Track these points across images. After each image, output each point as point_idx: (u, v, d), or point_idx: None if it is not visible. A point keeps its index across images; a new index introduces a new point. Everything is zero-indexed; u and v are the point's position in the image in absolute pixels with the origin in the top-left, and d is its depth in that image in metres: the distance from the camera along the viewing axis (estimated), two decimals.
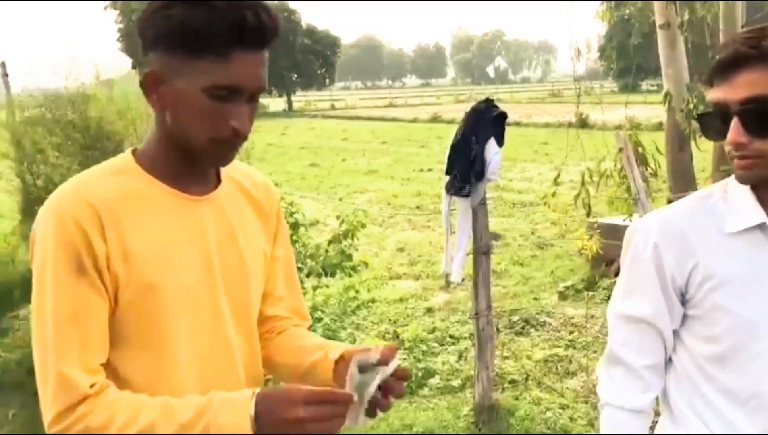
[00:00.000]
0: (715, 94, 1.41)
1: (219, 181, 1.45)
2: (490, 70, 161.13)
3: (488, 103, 4.03)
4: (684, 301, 1.52)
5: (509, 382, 4.85)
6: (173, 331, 1.34)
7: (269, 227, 1.55)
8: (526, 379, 4.90)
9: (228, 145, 1.32)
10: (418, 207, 12.14)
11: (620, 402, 1.59)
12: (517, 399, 4.48)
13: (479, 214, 3.95)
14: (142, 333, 1.32)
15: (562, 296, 6.95)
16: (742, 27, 6.58)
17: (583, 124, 23.12)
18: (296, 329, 1.62)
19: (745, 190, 1.47)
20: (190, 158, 1.36)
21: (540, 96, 52.41)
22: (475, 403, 4.20)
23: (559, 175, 6.04)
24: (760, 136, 1.37)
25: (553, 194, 6.25)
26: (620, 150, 4.58)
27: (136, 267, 1.29)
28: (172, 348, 1.34)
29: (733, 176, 1.51)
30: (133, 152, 1.40)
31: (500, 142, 3.92)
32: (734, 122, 1.38)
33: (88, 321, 1.26)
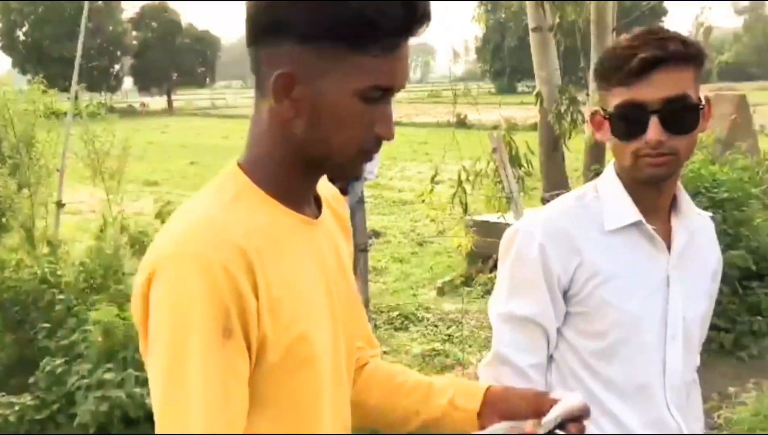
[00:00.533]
0: (629, 95, 1.46)
1: (319, 197, 1.22)
2: None
3: None
4: (567, 298, 1.56)
5: None
6: (322, 389, 1.12)
7: (350, 246, 1.34)
8: None
9: (370, 154, 1.13)
10: None
11: None
12: None
13: (357, 212, 4.02)
14: (289, 396, 1.08)
15: (440, 292, 7.15)
16: (613, 30, 6.96)
17: (461, 124, 23.72)
18: (380, 362, 1.39)
19: (619, 189, 1.56)
20: (318, 173, 1.16)
21: (419, 96, 53.41)
22: None
23: (436, 174, 6.19)
24: (678, 133, 1.46)
25: (431, 192, 6.42)
26: (494, 150, 4.76)
27: (284, 319, 1.05)
28: (318, 410, 1.12)
29: (602, 176, 1.61)
30: (240, 166, 1.14)
31: None
32: (654, 121, 1.43)
33: (236, 391, 1.00)
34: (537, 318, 1.55)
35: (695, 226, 1.62)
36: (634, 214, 1.53)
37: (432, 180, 6.29)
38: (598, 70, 1.54)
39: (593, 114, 1.55)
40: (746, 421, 4.14)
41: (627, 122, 1.47)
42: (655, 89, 1.43)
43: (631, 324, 1.55)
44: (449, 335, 5.92)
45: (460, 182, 6.13)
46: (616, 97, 1.47)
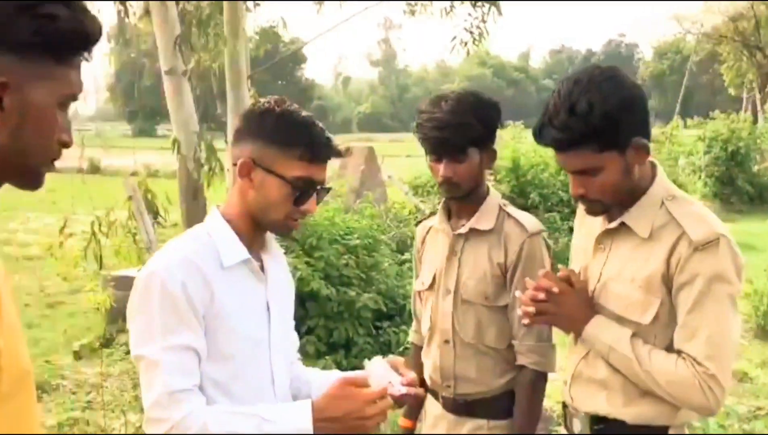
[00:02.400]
0: (308, 172, 1.88)
1: None
2: None
3: None
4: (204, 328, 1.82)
5: None
6: None
7: None
8: None
9: (55, 161, 1.37)
10: None
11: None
12: None
13: None
14: None
15: (77, 356, 6.93)
16: (249, 77, 7.38)
17: (94, 170, 22.91)
18: None
19: (229, 231, 1.90)
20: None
21: None
22: None
23: (65, 225, 6.04)
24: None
25: (60, 245, 6.21)
26: (130, 198, 4.84)
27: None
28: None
29: (210, 221, 1.93)
30: None
31: None
32: (313, 197, 1.91)
33: None
34: (195, 344, 1.78)
35: (279, 258, 2.07)
36: (244, 252, 1.89)
37: (61, 232, 6.11)
38: (278, 136, 1.87)
39: (245, 164, 1.87)
40: None
41: (301, 193, 1.85)
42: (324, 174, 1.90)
43: (252, 346, 1.90)
44: (89, 402, 5.79)
45: (93, 234, 6.04)
46: (296, 170, 1.84)
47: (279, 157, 1.83)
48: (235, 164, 1.87)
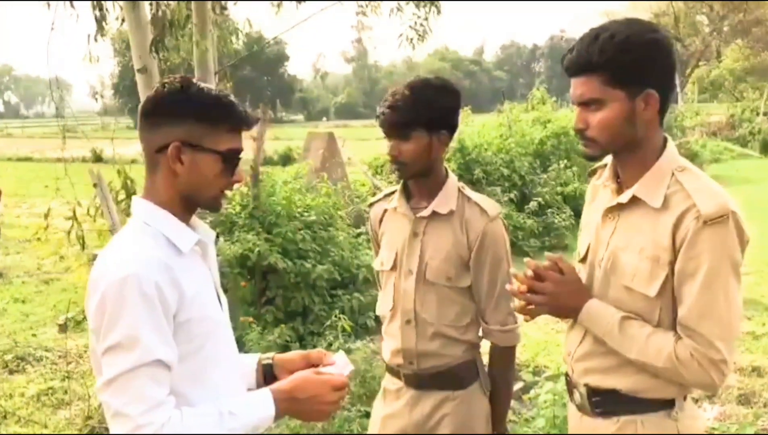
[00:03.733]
0: (237, 144, 1.67)
1: None
2: None
3: None
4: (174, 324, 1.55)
5: None
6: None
7: None
8: (5, 417, 4.59)
9: None
10: None
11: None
12: None
13: None
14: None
15: (62, 329, 6.65)
16: (216, 73, 7.15)
17: (97, 159, 22.45)
18: None
19: (173, 218, 1.63)
20: None
21: (54, 131, 49.33)
22: None
23: (48, 212, 5.82)
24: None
25: (46, 229, 5.99)
26: (95, 185, 4.57)
27: None
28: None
29: (142, 213, 1.63)
30: None
31: None
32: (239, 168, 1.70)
33: None
34: (166, 357, 1.51)
35: (210, 235, 1.76)
36: (194, 235, 1.66)
37: (46, 217, 5.89)
38: (205, 113, 1.61)
39: (176, 148, 1.59)
40: None
41: (232, 164, 1.65)
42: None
43: (216, 328, 1.67)
44: (69, 372, 5.52)
45: (75, 217, 5.82)
46: (227, 142, 1.63)
47: (208, 133, 1.60)
48: (159, 150, 1.60)
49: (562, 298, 1.86)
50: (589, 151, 1.84)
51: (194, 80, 1.65)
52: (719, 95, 36.90)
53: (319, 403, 1.64)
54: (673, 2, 33.00)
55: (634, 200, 1.81)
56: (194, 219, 1.73)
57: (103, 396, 1.51)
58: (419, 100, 2.18)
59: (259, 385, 1.79)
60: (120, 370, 1.47)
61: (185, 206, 1.66)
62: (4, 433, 4.31)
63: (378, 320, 2.66)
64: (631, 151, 1.81)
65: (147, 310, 1.49)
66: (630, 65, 1.70)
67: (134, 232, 1.62)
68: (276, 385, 1.66)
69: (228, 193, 1.72)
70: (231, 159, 1.64)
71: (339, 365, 1.76)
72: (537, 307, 1.87)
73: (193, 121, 1.59)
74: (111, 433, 1.52)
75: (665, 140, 1.85)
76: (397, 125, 2.20)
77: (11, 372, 5.57)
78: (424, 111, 2.18)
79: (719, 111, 29.45)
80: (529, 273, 1.87)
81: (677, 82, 34.33)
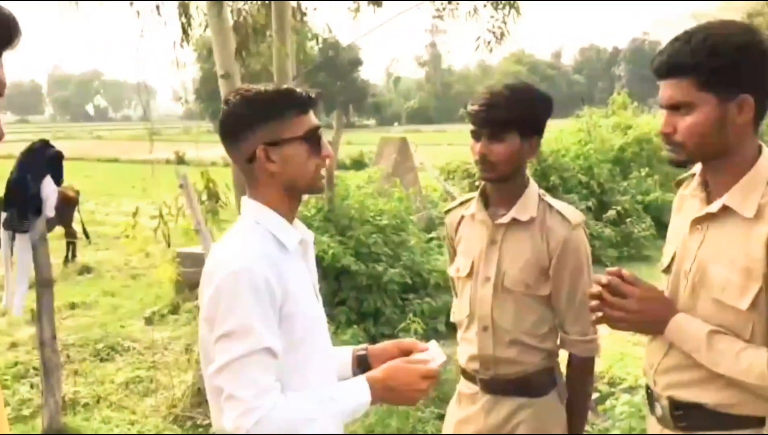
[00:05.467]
0: (313, 123, 1.73)
1: None
2: (90, 108, 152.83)
3: (43, 143, 3.98)
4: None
5: (82, 406, 4.78)
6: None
7: None
8: (98, 401, 4.89)
9: None
10: None
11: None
12: (87, 421, 4.46)
13: (40, 248, 3.86)
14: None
15: (148, 321, 7.01)
16: (294, 78, 7.39)
17: (180, 161, 23.27)
18: None
19: (277, 216, 1.71)
20: None
21: (141, 134, 51.33)
22: (44, 428, 4.09)
23: (137, 211, 6.11)
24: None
25: (134, 227, 6.30)
26: (180, 186, 4.80)
27: None
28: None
29: (252, 212, 1.72)
30: None
31: (58, 181, 3.89)
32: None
33: None
34: (274, 346, 1.60)
35: (309, 233, 1.86)
36: (297, 233, 1.75)
37: (134, 216, 6.19)
38: (270, 112, 1.70)
39: (263, 151, 1.69)
40: None
41: (316, 142, 1.72)
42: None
43: (314, 325, 1.75)
44: (154, 362, 5.83)
45: (161, 216, 6.11)
46: (300, 126, 1.69)
47: (282, 126, 1.69)
48: (251, 160, 1.69)
49: (647, 315, 1.77)
50: (675, 156, 1.76)
51: (252, 86, 1.74)
52: None
53: (409, 391, 1.72)
54: None
55: (725, 210, 1.71)
56: (296, 221, 1.82)
57: (215, 381, 1.61)
58: (519, 102, 2.15)
59: (354, 375, 1.86)
60: (233, 356, 1.57)
61: (291, 199, 1.74)
62: (97, 415, 4.61)
63: (449, 325, 2.69)
64: (722, 158, 1.72)
65: (257, 302, 1.58)
66: (723, 69, 1.62)
67: (245, 230, 1.71)
68: (371, 373, 1.75)
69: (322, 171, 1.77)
70: (313, 138, 1.71)
71: (432, 354, 1.82)
72: (619, 323, 1.79)
73: (265, 121, 1.68)
74: (225, 414, 1.60)
75: (760, 148, 1.74)
76: (492, 124, 2.15)
77: (102, 360, 5.92)
78: (522, 114, 2.15)
79: None
80: (597, 288, 1.79)
81: None
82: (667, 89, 1.71)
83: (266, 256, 1.64)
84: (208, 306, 1.62)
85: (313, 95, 1.74)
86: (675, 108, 1.71)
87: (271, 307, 1.61)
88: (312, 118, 1.73)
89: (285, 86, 1.74)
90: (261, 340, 1.58)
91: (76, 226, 10.37)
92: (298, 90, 1.72)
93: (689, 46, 1.65)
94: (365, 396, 1.69)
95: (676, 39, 1.69)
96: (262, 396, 1.57)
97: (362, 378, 1.73)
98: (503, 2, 7.90)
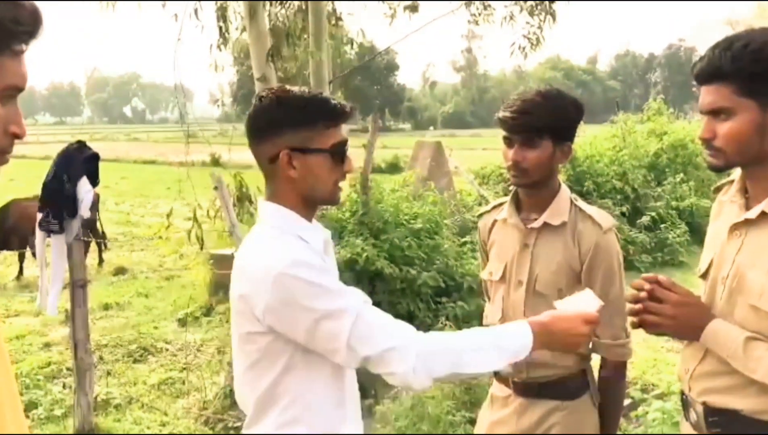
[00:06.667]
0: (341, 137, 1.74)
1: None
2: (127, 110, 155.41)
3: (80, 145, 4.00)
4: None
5: (114, 407, 4.80)
6: None
7: None
8: (130, 402, 4.90)
9: (5, 154, 1.13)
10: None
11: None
12: (119, 421, 4.47)
13: (75, 249, 3.88)
14: None
15: (181, 323, 7.04)
16: (330, 82, 7.38)
17: (216, 163, 23.46)
18: None
19: (301, 219, 1.73)
20: None
21: (177, 136, 51.97)
22: (76, 428, 4.10)
23: (171, 212, 6.13)
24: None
25: (167, 228, 6.33)
26: (215, 188, 4.80)
27: None
28: None
29: (275, 217, 1.72)
30: None
31: (94, 182, 3.91)
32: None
33: None
34: (364, 297, 1.70)
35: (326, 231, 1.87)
36: (322, 233, 1.78)
37: (168, 217, 6.22)
38: (302, 118, 1.69)
39: (286, 155, 1.68)
40: None
41: (340, 157, 1.72)
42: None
43: None
44: (187, 364, 5.83)
45: (195, 219, 6.13)
46: (329, 139, 1.70)
47: (311, 134, 1.68)
48: (271, 161, 1.70)
49: (684, 320, 1.77)
50: (714, 161, 1.76)
51: (289, 87, 1.73)
52: None
53: (571, 335, 1.72)
54: None
55: (764, 216, 1.72)
56: (314, 221, 1.81)
57: (355, 360, 1.60)
58: (552, 108, 2.14)
59: None
60: (349, 326, 1.57)
61: (307, 206, 1.74)
62: (129, 416, 4.62)
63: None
64: (761, 164, 1.73)
65: (325, 272, 1.62)
66: (763, 75, 1.63)
67: (273, 232, 1.70)
68: (532, 318, 1.74)
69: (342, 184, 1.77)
70: (338, 153, 1.70)
71: (587, 301, 1.82)
72: (656, 328, 1.79)
73: (294, 127, 1.67)
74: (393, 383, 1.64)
75: None
76: (526, 131, 2.15)
77: (135, 361, 5.95)
78: (555, 120, 2.15)
79: None
80: (643, 293, 1.79)
81: None
82: (707, 95, 1.72)
83: (311, 250, 1.67)
84: (281, 308, 1.59)
85: (348, 109, 1.71)
86: (715, 113, 1.72)
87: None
88: (341, 132, 1.72)
89: (322, 95, 1.72)
90: (356, 298, 1.62)
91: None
92: (333, 101, 1.70)
93: (730, 52, 1.65)
94: (528, 338, 1.68)
95: (717, 45, 1.70)
96: (399, 333, 1.60)
97: (524, 322, 1.73)
98: (539, 8, 7.81)
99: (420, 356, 1.57)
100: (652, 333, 1.84)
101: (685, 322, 1.77)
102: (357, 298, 1.63)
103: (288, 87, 1.73)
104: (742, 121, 1.67)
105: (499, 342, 1.67)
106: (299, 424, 1.67)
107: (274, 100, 1.69)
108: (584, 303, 1.80)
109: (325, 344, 1.60)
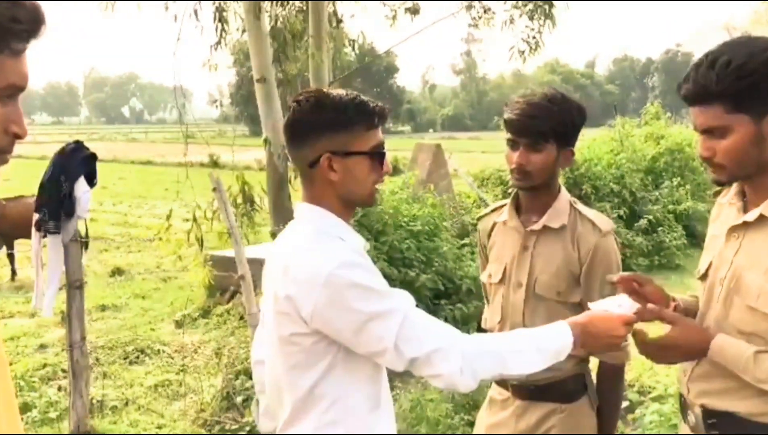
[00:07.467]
0: (378, 139, 1.74)
1: None
2: (125, 111, 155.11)
3: (78, 145, 3.97)
4: None
5: (110, 409, 4.76)
6: None
7: None
8: (126, 404, 4.86)
9: (5, 154, 1.11)
10: None
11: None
12: (115, 424, 4.43)
13: (71, 250, 3.84)
14: None
15: (178, 325, 7.00)
16: (330, 84, 7.37)
17: (215, 164, 23.46)
18: None
19: (343, 223, 1.73)
20: None
21: (175, 137, 51.92)
22: (71, 430, 4.06)
23: (170, 213, 6.12)
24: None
25: (167, 229, 6.30)
26: (214, 189, 4.76)
27: None
28: None
29: (322, 219, 1.70)
30: None
31: (91, 182, 3.87)
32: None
33: None
34: (411, 299, 1.70)
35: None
36: (361, 238, 1.79)
37: (167, 218, 6.19)
38: (342, 121, 1.68)
39: (326, 159, 1.68)
40: None
41: (378, 159, 1.73)
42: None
43: None
44: (184, 365, 5.80)
45: (195, 219, 6.11)
46: (369, 141, 1.70)
47: (351, 137, 1.68)
48: (312, 165, 1.69)
49: (686, 348, 1.78)
50: (718, 177, 1.78)
51: (327, 90, 1.73)
52: None
53: (610, 336, 1.72)
54: None
55: (762, 219, 1.74)
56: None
57: (402, 362, 1.58)
58: (558, 112, 2.14)
59: None
60: (396, 328, 1.57)
61: (346, 208, 1.75)
62: (125, 419, 4.58)
63: (481, 331, 2.65)
64: (761, 172, 1.74)
65: (373, 272, 1.63)
66: (751, 90, 1.64)
67: (317, 234, 1.69)
68: (571, 319, 1.75)
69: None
70: (377, 155, 1.71)
71: (623, 303, 1.81)
72: (669, 363, 1.85)
73: (335, 130, 1.67)
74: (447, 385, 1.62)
75: None
76: (533, 134, 2.15)
77: (131, 363, 5.91)
78: (561, 125, 2.15)
79: None
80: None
81: None
82: (699, 115, 1.73)
83: (357, 252, 1.68)
84: (333, 309, 1.58)
85: (385, 110, 1.73)
86: (710, 132, 1.72)
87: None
88: (379, 134, 1.73)
89: (360, 97, 1.71)
90: (403, 300, 1.62)
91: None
92: (372, 103, 1.70)
93: (713, 72, 1.65)
94: (568, 338, 1.69)
95: (699, 63, 1.70)
96: (445, 335, 1.59)
97: (563, 323, 1.73)
98: (538, 12, 7.83)
99: (466, 358, 1.57)
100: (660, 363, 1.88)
101: (688, 350, 1.79)
102: (404, 299, 1.63)
103: (324, 90, 1.74)
104: (738, 137, 1.68)
105: (540, 343, 1.68)
106: (338, 426, 1.66)
107: (313, 104, 1.69)
108: (620, 305, 1.80)
109: (373, 346, 1.59)
